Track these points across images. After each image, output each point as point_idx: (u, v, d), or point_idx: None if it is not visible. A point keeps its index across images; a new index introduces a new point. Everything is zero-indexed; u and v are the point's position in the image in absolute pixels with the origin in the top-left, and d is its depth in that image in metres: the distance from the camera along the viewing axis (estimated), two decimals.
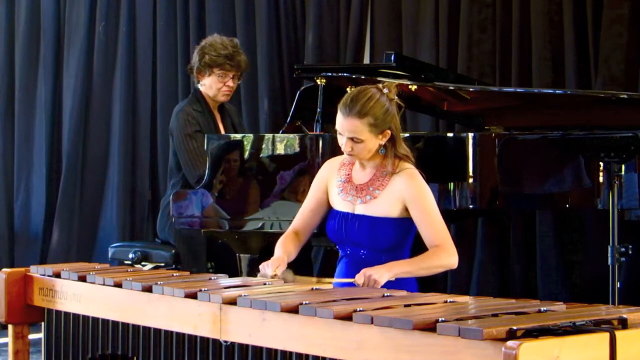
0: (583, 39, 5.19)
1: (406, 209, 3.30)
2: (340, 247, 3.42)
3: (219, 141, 4.57)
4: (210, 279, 3.24)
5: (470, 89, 4.74)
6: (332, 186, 3.42)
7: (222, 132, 4.92)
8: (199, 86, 4.94)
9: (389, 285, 3.14)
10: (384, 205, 3.30)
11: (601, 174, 4.11)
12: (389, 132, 3.31)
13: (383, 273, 3.14)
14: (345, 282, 3.23)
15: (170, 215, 4.72)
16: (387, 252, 3.31)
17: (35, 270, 3.61)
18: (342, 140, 3.31)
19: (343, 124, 3.28)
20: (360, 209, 3.33)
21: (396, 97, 3.34)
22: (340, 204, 3.38)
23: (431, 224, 3.28)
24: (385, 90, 3.31)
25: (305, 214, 3.48)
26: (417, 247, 3.37)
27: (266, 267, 3.25)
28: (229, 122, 5.02)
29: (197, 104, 4.89)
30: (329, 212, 3.43)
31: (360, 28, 5.95)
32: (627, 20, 5.09)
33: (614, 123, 4.47)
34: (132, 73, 6.89)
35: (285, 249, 3.36)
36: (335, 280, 3.32)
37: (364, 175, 3.37)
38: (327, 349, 2.45)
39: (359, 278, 3.14)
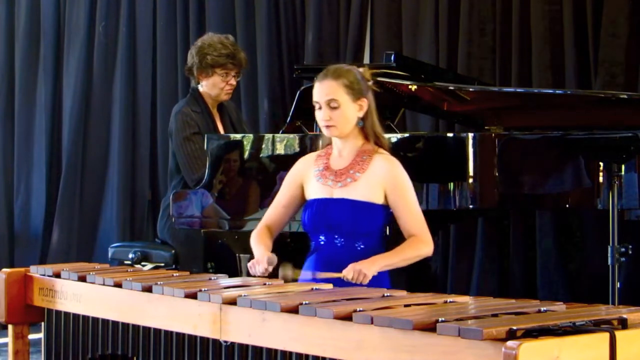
0: (583, 39, 5.19)
1: (385, 196, 3.32)
2: (315, 236, 3.40)
3: (218, 141, 4.57)
4: (210, 279, 3.24)
5: (470, 89, 4.74)
6: (309, 179, 3.42)
7: (221, 132, 4.92)
8: (199, 87, 4.92)
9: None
10: (364, 188, 3.31)
11: (601, 174, 4.11)
12: (365, 101, 3.34)
13: (370, 267, 3.19)
14: (332, 277, 3.22)
15: (170, 217, 4.72)
16: (364, 238, 3.32)
17: (35, 270, 3.61)
18: (319, 115, 3.33)
19: (319, 89, 3.33)
20: (339, 193, 3.33)
21: (371, 82, 3.40)
22: (318, 191, 3.38)
23: (410, 212, 3.31)
24: (360, 70, 3.39)
25: (278, 209, 3.48)
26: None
27: (256, 266, 3.26)
28: (227, 120, 5.00)
29: (195, 104, 4.87)
30: (305, 205, 3.43)
31: (360, 28, 5.95)
32: (627, 20, 5.09)
33: (614, 123, 4.47)
34: (132, 73, 6.89)
35: (265, 245, 3.36)
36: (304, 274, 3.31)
37: (342, 161, 3.39)
38: (327, 349, 2.45)
39: (348, 273, 3.17)
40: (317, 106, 3.34)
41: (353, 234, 3.31)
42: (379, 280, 3.21)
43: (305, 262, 3.42)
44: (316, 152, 3.50)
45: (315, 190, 3.39)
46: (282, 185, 3.52)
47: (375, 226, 3.33)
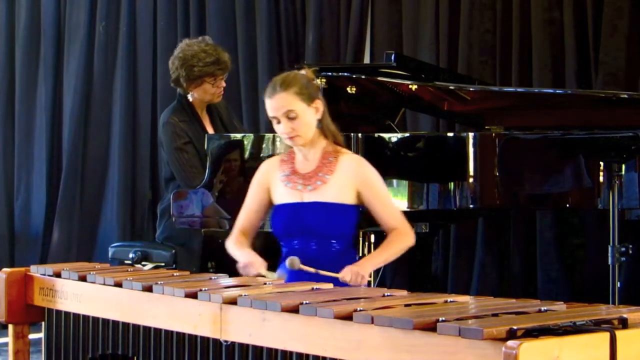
0: (583, 39, 5.19)
1: (356, 196, 3.33)
2: (287, 241, 3.40)
3: (219, 141, 4.57)
4: (210, 279, 3.24)
5: (470, 89, 4.74)
6: (274, 183, 3.42)
7: None
8: (190, 96, 4.85)
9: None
10: (334, 190, 3.32)
11: (601, 173, 4.11)
12: (319, 102, 3.34)
13: (366, 268, 3.24)
14: (330, 275, 3.22)
15: (168, 221, 4.71)
16: (338, 239, 3.34)
17: (36, 270, 3.61)
18: (279, 128, 3.32)
19: (273, 105, 3.30)
20: (309, 197, 3.34)
21: (317, 81, 3.44)
22: (287, 196, 3.38)
23: (387, 206, 3.36)
24: (303, 72, 3.39)
25: (249, 215, 3.49)
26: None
27: (249, 268, 3.28)
28: (217, 121, 4.94)
29: (182, 113, 4.81)
30: (273, 210, 3.43)
31: (360, 28, 5.94)
32: (627, 21, 5.09)
33: (614, 123, 4.47)
34: (132, 73, 6.89)
35: (248, 249, 3.37)
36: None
37: (309, 165, 3.39)
38: (327, 349, 2.45)
39: (346, 274, 3.19)
40: (274, 121, 3.33)
41: (327, 236, 3.33)
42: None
43: (279, 268, 3.40)
44: (279, 156, 3.50)
45: (284, 195, 3.39)
46: (249, 190, 3.52)
47: (348, 226, 3.36)
